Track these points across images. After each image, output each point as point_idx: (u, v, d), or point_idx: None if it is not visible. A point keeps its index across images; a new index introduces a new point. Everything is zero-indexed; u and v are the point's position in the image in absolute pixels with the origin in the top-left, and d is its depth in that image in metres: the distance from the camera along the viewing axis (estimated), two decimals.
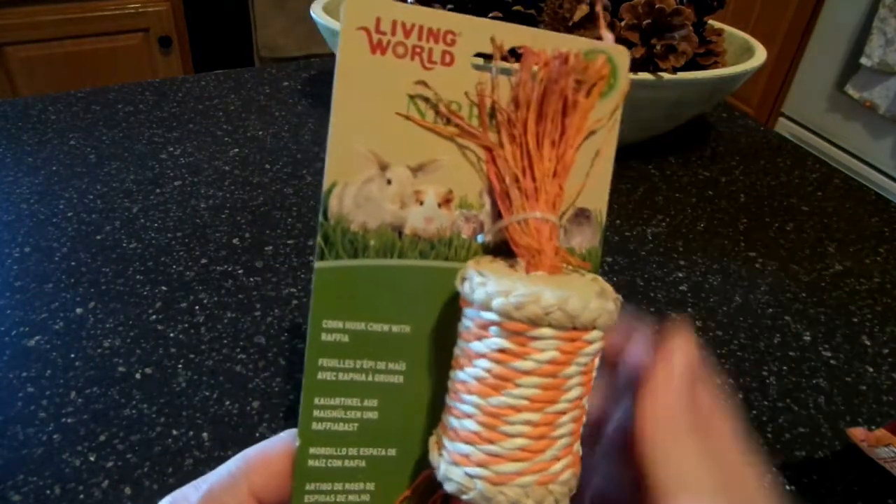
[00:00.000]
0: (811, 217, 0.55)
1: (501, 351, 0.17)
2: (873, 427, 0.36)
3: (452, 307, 0.19)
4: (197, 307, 0.40)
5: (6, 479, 0.30)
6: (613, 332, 0.18)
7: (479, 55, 0.19)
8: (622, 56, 0.19)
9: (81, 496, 0.29)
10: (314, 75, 0.74)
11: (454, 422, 0.18)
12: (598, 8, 0.52)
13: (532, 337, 0.16)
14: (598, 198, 0.20)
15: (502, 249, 0.19)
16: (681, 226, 0.52)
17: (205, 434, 0.33)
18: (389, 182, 0.19)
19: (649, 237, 0.51)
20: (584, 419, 0.18)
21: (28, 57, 1.42)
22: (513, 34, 0.19)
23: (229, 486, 0.18)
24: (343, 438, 0.19)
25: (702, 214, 0.54)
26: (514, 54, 0.19)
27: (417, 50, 0.18)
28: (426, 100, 0.18)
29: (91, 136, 0.59)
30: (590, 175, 0.20)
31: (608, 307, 0.17)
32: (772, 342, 0.41)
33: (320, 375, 0.19)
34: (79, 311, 0.39)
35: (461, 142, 0.19)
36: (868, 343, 0.42)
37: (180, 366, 0.36)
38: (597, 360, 0.18)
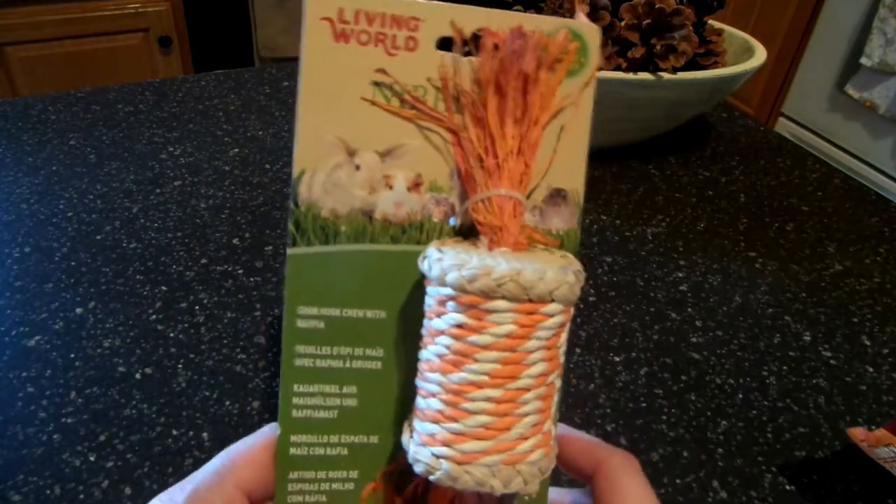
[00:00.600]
0: (811, 217, 0.55)
1: (459, 326, 0.17)
2: (873, 427, 0.36)
3: (425, 290, 0.18)
4: (197, 307, 0.40)
5: (6, 479, 0.30)
6: (571, 306, 0.18)
7: (442, 39, 0.19)
8: (592, 33, 0.19)
9: (81, 496, 0.29)
10: None
11: (421, 402, 0.18)
12: None
13: (487, 310, 0.16)
14: (573, 178, 0.20)
15: (474, 232, 0.19)
16: (681, 226, 0.52)
17: (205, 434, 0.33)
18: (358, 168, 0.19)
19: (649, 237, 0.51)
20: (556, 398, 0.18)
21: (28, 57, 1.42)
22: (475, 16, 0.18)
23: (215, 483, 0.18)
24: (323, 426, 0.19)
25: (702, 214, 0.54)
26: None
27: (381, 37, 0.18)
28: (390, 86, 0.18)
29: (91, 136, 0.59)
30: (562, 154, 0.19)
31: (567, 279, 0.17)
32: (772, 342, 0.41)
33: (298, 362, 0.19)
34: (79, 311, 0.39)
35: (428, 126, 0.19)
36: (868, 343, 0.42)
37: (180, 366, 0.36)
38: (562, 337, 0.18)
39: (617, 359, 0.39)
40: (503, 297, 0.16)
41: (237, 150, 0.58)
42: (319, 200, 0.19)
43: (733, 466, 0.33)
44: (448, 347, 0.17)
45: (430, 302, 0.18)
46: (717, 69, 0.55)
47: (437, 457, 0.17)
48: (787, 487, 0.32)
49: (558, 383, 0.18)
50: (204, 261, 0.44)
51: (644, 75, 0.52)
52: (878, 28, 1.50)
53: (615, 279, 0.46)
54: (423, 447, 0.17)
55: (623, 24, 0.54)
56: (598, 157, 0.61)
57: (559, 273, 0.17)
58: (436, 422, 0.17)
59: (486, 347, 0.16)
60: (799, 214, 0.56)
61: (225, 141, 0.59)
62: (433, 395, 0.17)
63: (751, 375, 0.39)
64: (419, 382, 0.18)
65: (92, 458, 0.31)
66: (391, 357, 0.19)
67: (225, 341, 0.38)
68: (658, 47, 0.52)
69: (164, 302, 0.40)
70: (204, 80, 0.71)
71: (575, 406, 0.36)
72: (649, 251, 0.49)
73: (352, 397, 0.19)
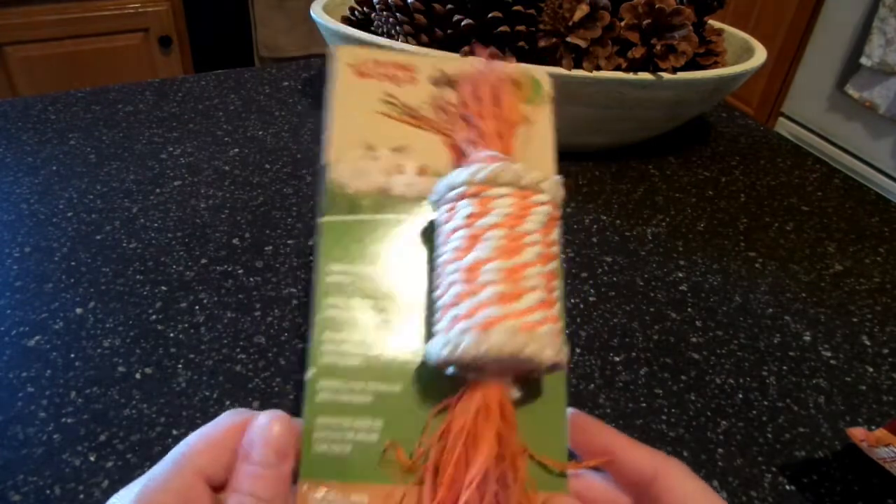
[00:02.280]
0: (811, 217, 0.55)
1: (469, 216, 0.21)
2: (873, 427, 0.36)
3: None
4: (197, 307, 0.40)
5: (6, 479, 0.30)
6: (559, 203, 0.22)
7: (435, 78, 0.25)
8: (542, 74, 0.26)
9: (81, 496, 0.29)
10: (314, 75, 0.74)
11: (440, 302, 0.21)
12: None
13: (490, 196, 0.21)
14: (545, 170, 0.24)
15: None
16: (681, 226, 0.52)
17: None
18: (376, 159, 0.24)
19: (649, 237, 0.51)
20: (559, 294, 0.21)
21: (28, 57, 1.42)
22: (455, 62, 0.26)
23: (172, 472, 0.18)
24: (349, 371, 0.21)
25: (702, 214, 0.54)
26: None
27: (390, 75, 0.25)
28: (398, 105, 0.25)
29: (91, 136, 0.59)
30: (532, 155, 0.24)
31: (551, 176, 0.21)
32: (772, 342, 0.41)
33: (328, 312, 0.22)
34: (79, 311, 0.39)
35: (428, 132, 0.25)
36: (868, 343, 0.42)
37: (180, 366, 0.36)
38: (554, 231, 0.21)
39: (617, 359, 0.39)
40: (503, 184, 0.21)
41: (237, 150, 0.58)
42: (347, 181, 0.24)
43: (733, 466, 0.33)
44: (462, 237, 0.20)
45: (442, 216, 0.22)
46: (717, 69, 0.55)
47: (462, 331, 0.19)
48: (787, 487, 0.32)
49: (558, 281, 0.21)
50: (204, 261, 0.44)
51: (644, 75, 0.52)
52: (878, 28, 1.50)
53: (615, 279, 0.46)
54: (447, 333, 0.20)
55: (623, 24, 0.54)
56: (599, 157, 0.61)
57: (542, 172, 0.21)
58: (457, 304, 0.20)
59: (492, 226, 0.20)
60: (799, 214, 0.56)
61: (225, 141, 0.59)
62: (452, 284, 0.20)
63: (751, 375, 0.39)
64: (437, 289, 0.21)
65: (92, 458, 0.31)
66: (409, 308, 0.22)
67: (225, 341, 0.38)
68: (658, 47, 0.52)
69: (164, 302, 0.40)
70: (204, 80, 0.71)
71: (575, 406, 0.36)
72: (649, 251, 0.49)
73: (376, 345, 0.22)
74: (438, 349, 0.20)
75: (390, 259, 0.23)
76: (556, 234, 0.21)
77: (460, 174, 0.21)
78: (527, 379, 0.21)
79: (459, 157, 0.24)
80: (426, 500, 0.20)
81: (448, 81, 0.25)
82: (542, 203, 0.21)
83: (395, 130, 0.24)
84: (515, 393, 0.21)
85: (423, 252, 0.23)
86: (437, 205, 0.22)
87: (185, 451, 0.19)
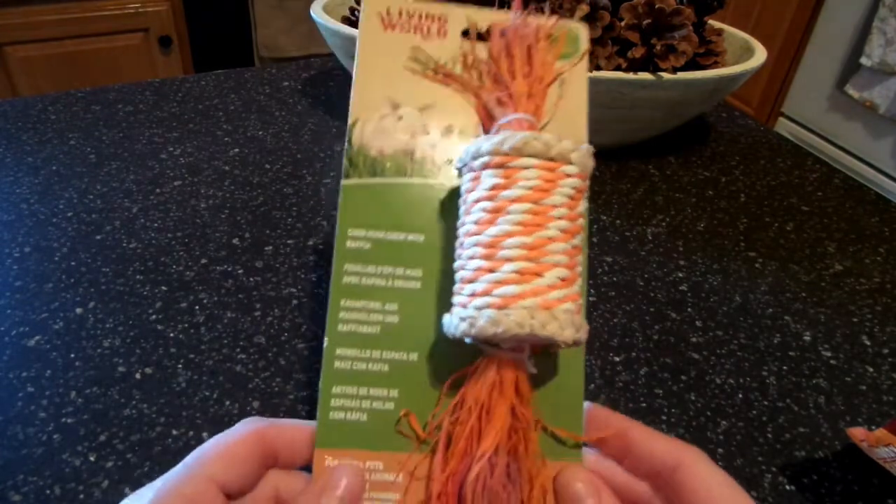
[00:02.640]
0: (811, 217, 0.55)
1: (492, 188, 0.20)
2: (873, 427, 0.36)
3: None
4: (197, 307, 0.40)
5: (6, 479, 0.30)
6: (587, 175, 0.21)
7: (465, 31, 0.24)
8: (581, 28, 0.24)
9: (81, 496, 0.29)
10: (314, 75, 0.74)
11: (460, 274, 0.20)
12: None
13: (517, 167, 0.19)
14: (578, 132, 0.23)
15: None
16: (681, 226, 0.52)
17: (205, 434, 0.33)
18: (401, 118, 0.23)
19: (649, 237, 0.51)
20: (582, 270, 0.20)
21: (28, 57, 1.42)
22: (487, 14, 0.24)
23: (186, 477, 0.18)
24: (367, 340, 0.21)
25: (702, 214, 0.54)
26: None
27: (418, 27, 0.24)
28: (425, 60, 0.23)
29: (91, 136, 0.59)
30: (566, 112, 0.23)
31: (581, 147, 0.20)
32: (772, 342, 0.41)
33: (346, 279, 0.22)
34: (79, 311, 0.39)
35: (456, 90, 0.23)
36: (868, 343, 0.42)
37: (180, 366, 0.36)
38: (581, 203, 0.20)
39: (617, 359, 0.39)
40: (529, 154, 0.19)
41: (237, 150, 0.58)
42: (369, 142, 0.23)
43: (733, 466, 0.33)
44: (484, 209, 0.20)
45: (466, 185, 0.21)
46: (717, 69, 0.55)
47: (479, 308, 0.19)
48: (787, 487, 0.32)
49: (582, 256, 0.20)
50: (204, 261, 0.44)
51: (644, 75, 0.52)
52: (878, 28, 1.50)
53: (615, 279, 0.46)
54: (465, 308, 0.19)
55: (623, 24, 0.54)
56: (598, 157, 0.61)
57: (574, 142, 0.20)
58: (475, 280, 0.19)
59: (516, 200, 0.19)
60: (799, 214, 0.56)
61: (225, 141, 0.59)
62: (472, 257, 0.20)
63: (751, 375, 0.39)
64: (458, 260, 0.20)
65: (92, 458, 0.31)
66: (428, 277, 0.22)
67: (225, 341, 0.38)
68: (658, 47, 0.52)
69: (164, 302, 0.40)
70: (204, 80, 0.71)
71: None
72: (649, 251, 0.49)
73: (393, 314, 0.22)
74: (455, 324, 0.19)
75: (412, 226, 0.22)
76: (582, 206, 0.21)
77: (485, 143, 0.20)
78: (545, 352, 0.21)
79: (487, 119, 0.23)
80: (438, 469, 0.20)
81: (480, 35, 0.24)
82: (570, 175, 0.20)
83: (421, 88, 0.23)
84: (532, 367, 0.20)
85: (446, 220, 0.22)
86: (462, 172, 0.21)
87: (198, 457, 0.19)
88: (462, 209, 0.21)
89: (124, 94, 0.67)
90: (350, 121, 0.23)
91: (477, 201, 0.20)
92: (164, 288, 0.41)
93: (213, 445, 0.19)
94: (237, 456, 0.19)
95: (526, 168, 0.19)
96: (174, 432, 0.32)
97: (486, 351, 0.20)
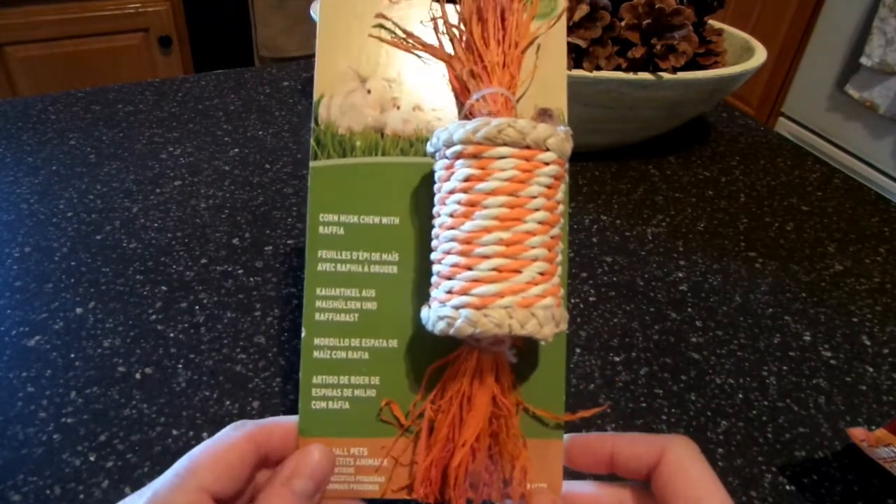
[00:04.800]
0: (811, 217, 0.55)
1: (467, 179, 0.19)
2: (873, 427, 0.36)
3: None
4: (197, 307, 0.40)
5: (6, 479, 0.30)
6: (565, 161, 0.20)
7: None
8: None
9: (81, 496, 0.29)
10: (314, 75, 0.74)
11: (437, 268, 0.19)
12: None
13: (491, 157, 0.18)
14: (557, 98, 0.22)
15: None
16: (681, 226, 0.52)
17: (205, 434, 0.33)
18: (369, 91, 0.22)
19: (649, 237, 0.51)
20: (561, 259, 0.20)
21: (28, 57, 1.42)
22: None
23: (175, 486, 0.18)
24: (345, 329, 0.21)
25: (702, 214, 0.54)
26: None
27: None
28: (391, 27, 0.22)
29: (91, 136, 0.59)
30: (543, 77, 0.22)
31: (557, 131, 0.19)
32: (772, 342, 0.41)
33: (320, 267, 0.21)
34: (79, 311, 0.39)
35: (426, 58, 0.22)
36: (868, 343, 0.42)
37: (180, 366, 0.36)
38: (559, 190, 0.19)
39: (617, 359, 0.39)
40: (504, 144, 0.18)
41: (237, 150, 0.58)
42: (337, 120, 0.21)
43: (733, 466, 0.33)
44: (458, 202, 0.19)
45: (439, 173, 0.20)
46: (717, 69, 0.55)
47: (456, 307, 0.18)
48: (787, 487, 0.32)
49: (561, 245, 0.20)
50: (204, 261, 0.44)
51: (644, 75, 0.52)
52: (878, 28, 1.50)
53: (615, 279, 0.46)
54: (443, 306, 0.19)
55: (623, 24, 0.54)
56: (599, 157, 0.61)
57: (550, 127, 0.19)
58: (452, 276, 0.19)
59: (492, 193, 0.18)
60: (799, 214, 0.56)
61: (225, 141, 0.59)
62: (448, 252, 0.19)
63: (751, 375, 0.39)
64: (435, 252, 0.20)
65: (92, 458, 0.31)
66: (405, 261, 0.21)
67: (225, 341, 0.38)
68: (658, 47, 0.52)
69: (164, 302, 0.40)
70: (204, 80, 0.71)
71: (575, 406, 0.36)
72: (649, 251, 0.49)
73: (371, 300, 0.21)
74: (433, 322, 0.19)
75: (386, 208, 0.21)
76: (561, 193, 0.20)
77: (458, 130, 0.19)
78: (526, 343, 0.21)
79: (461, 90, 0.21)
80: (421, 456, 0.20)
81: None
82: (548, 163, 0.19)
83: (389, 57, 0.22)
84: (512, 357, 0.20)
85: (421, 200, 0.21)
86: (435, 157, 0.20)
87: (189, 465, 0.19)
88: (437, 197, 0.20)
89: (124, 94, 0.67)
90: (315, 96, 0.21)
91: (451, 192, 0.19)
92: (164, 288, 0.41)
93: (204, 453, 0.19)
94: (229, 463, 0.19)
95: (501, 158, 0.18)
96: (174, 432, 0.32)
97: (468, 343, 0.20)
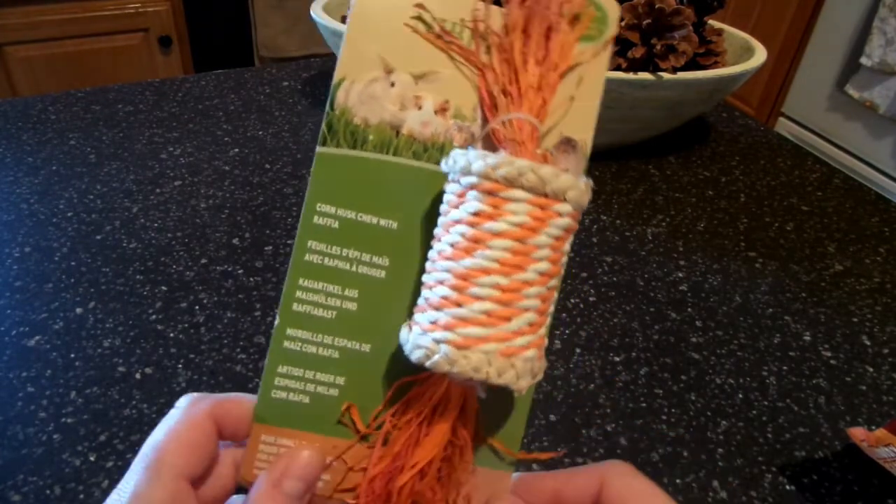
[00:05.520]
0: (811, 217, 0.55)
1: (476, 214, 0.18)
2: (873, 427, 0.36)
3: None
4: (197, 307, 0.40)
5: (6, 479, 0.30)
6: (580, 213, 0.19)
7: None
8: (612, 7, 0.21)
9: (81, 496, 0.29)
10: (314, 75, 0.74)
11: (426, 293, 0.19)
12: None
13: (506, 198, 0.18)
14: (583, 129, 0.21)
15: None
16: (681, 226, 0.52)
17: None
18: (393, 84, 0.20)
19: (649, 237, 0.51)
20: (552, 309, 0.19)
21: (28, 57, 1.42)
22: None
23: (152, 480, 0.18)
24: (320, 324, 0.20)
25: (702, 214, 0.54)
26: None
27: None
28: (429, 20, 0.20)
29: (91, 136, 0.59)
30: (575, 104, 0.21)
31: (580, 183, 0.18)
32: (772, 342, 0.41)
33: (307, 257, 0.20)
34: (79, 311, 0.39)
35: (459, 60, 0.20)
36: (868, 343, 0.42)
37: (180, 366, 0.36)
38: (566, 244, 0.19)
39: (617, 359, 0.39)
40: (522, 187, 0.17)
41: (237, 150, 0.58)
42: (354, 108, 0.20)
43: (733, 466, 0.33)
44: (462, 235, 0.18)
45: (449, 197, 0.19)
46: (717, 69, 0.55)
47: (437, 341, 0.18)
48: (787, 487, 0.32)
49: (555, 296, 0.19)
50: (204, 261, 0.44)
51: (644, 75, 0.52)
52: (878, 28, 1.50)
53: (615, 279, 0.46)
54: (424, 335, 0.18)
55: (623, 24, 0.54)
56: (599, 157, 0.61)
57: (572, 177, 0.18)
58: (440, 308, 0.18)
59: (499, 234, 0.18)
60: (799, 214, 0.56)
61: (225, 141, 0.59)
62: (441, 282, 0.18)
63: (751, 375, 0.39)
64: (426, 276, 0.19)
65: (92, 458, 0.31)
66: (395, 268, 0.20)
67: (225, 341, 0.38)
68: (658, 47, 0.52)
69: (164, 302, 0.40)
70: (204, 80, 0.71)
71: (575, 406, 0.36)
72: (649, 251, 0.49)
73: (352, 301, 0.20)
74: (411, 348, 0.18)
75: (387, 210, 0.20)
76: (567, 245, 0.19)
77: (476, 161, 0.18)
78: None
79: (490, 103, 0.20)
80: (371, 465, 0.20)
81: None
82: (562, 214, 0.18)
83: (420, 51, 0.20)
84: (482, 393, 0.20)
85: (424, 210, 0.20)
86: (447, 177, 0.19)
87: (157, 456, 0.18)
88: (441, 220, 0.19)
89: (124, 94, 0.67)
90: (336, 78, 0.20)
91: (457, 222, 0.18)
92: (164, 288, 0.41)
93: (169, 438, 0.19)
94: (196, 444, 0.19)
95: (515, 201, 0.18)
96: None
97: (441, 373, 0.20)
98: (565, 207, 0.18)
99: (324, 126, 0.20)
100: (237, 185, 0.53)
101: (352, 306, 0.20)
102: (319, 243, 0.20)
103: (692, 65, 0.56)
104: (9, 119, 0.60)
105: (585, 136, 0.21)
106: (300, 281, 0.20)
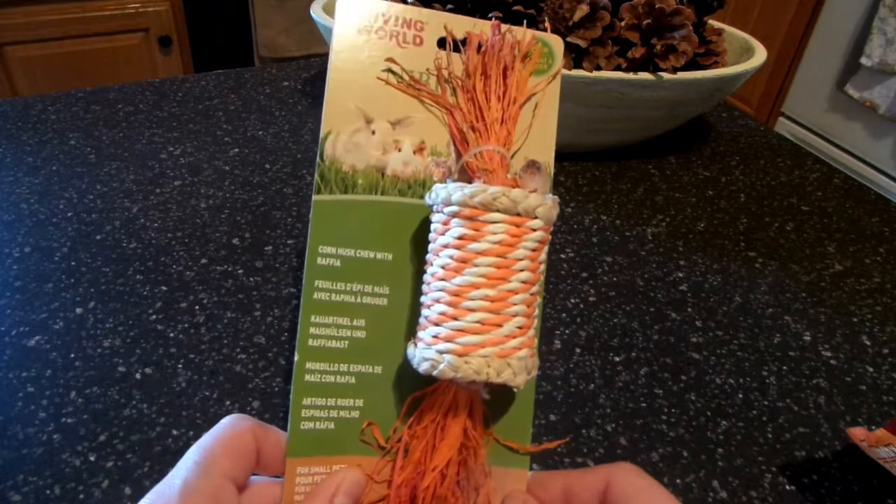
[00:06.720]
0: (811, 217, 0.55)
1: (461, 238, 0.20)
2: (873, 427, 0.36)
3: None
4: (197, 307, 0.40)
5: (6, 479, 0.30)
6: (551, 226, 0.22)
7: (441, 39, 0.23)
8: (557, 42, 0.24)
9: (81, 496, 0.29)
10: (314, 75, 0.74)
11: (425, 312, 0.21)
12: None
13: (485, 221, 0.20)
14: (545, 152, 0.24)
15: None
16: (681, 226, 0.52)
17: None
18: (374, 132, 0.23)
19: (649, 237, 0.51)
20: (537, 313, 0.22)
21: (28, 57, 1.42)
22: (464, 23, 0.24)
23: (202, 475, 0.19)
24: (335, 354, 0.22)
25: (702, 214, 0.54)
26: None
27: (394, 34, 0.23)
28: (399, 72, 0.23)
29: (91, 136, 0.59)
30: (535, 131, 0.24)
31: (546, 201, 0.21)
32: (772, 342, 0.41)
33: (316, 295, 0.22)
34: (79, 311, 0.39)
35: (430, 104, 0.23)
36: (868, 343, 0.42)
37: (180, 366, 0.36)
38: (542, 254, 0.21)
39: (617, 359, 0.39)
40: (497, 210, 0.20)
41: (237, 150, 0.58)
42: (341, 157, 0.23)
43: (733, 466, 0.33)
44: (451, 257, 0.20)
45: (435, 226, 0.21)
46: (717, 69, 0.55)
47: (441, 352, 0.20)
48: (787, 487, 0.32)
49: (539, 299, 0.22)
50: (204, 261, 0.44)
51: (644, 75, 0.52)
52: (878, 28, 1.50)
53: (615, 279, 0.46)
54: (428, 348, 0.20)
55: (623, 24, 0.54)
56: (599, 157, 0.61)
57: (540, 196, 0.21)
58: (439, 324, 0.20)
59: (482, 253, 0.20)
60: (799, 214, 0.56)
61: (225, 141, 0.59)
62: (437, 300, 0.21)
63: (751, 375, 0.39)
64: (424, 297, 0.21)
65: (92, 458, 0.31)
66: (395, 295, 0.23)
67: (225, 341, 0.38)
68: (658, 47, 0.52)
69: (164, 302, 0.40)
70: (204, 80, 0.71)
71: (575, 406, 0.36)
72: (649, 251, 0.49)
73: (361, 329, 0.22)
74: (418, 362, 0.21)
75: (382, 244, 0.23)
76: (544, 254, 0.22)
77: (456, 192, 0.21)
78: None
79: (460, 139, 0.23)
80: (395, 475, 0.22)
81: (456, 45, 0.23)
82: (535, 229, 0.21)
83: (394, 100, 0.23)
84: (485, 395, 0.22)
85: (414, 239, 0.23)
86: (432, 209, 0.22)
87: (206, 454, 0.19)
88: (431, 247, 0.21)
89: (124, 94, 0.67)
90: (322, 132, 0.23)
91: (445, 247, 0.21)
92: (164, 288, 0.41)
93: (217, 441, 0.20)
94: (242, 451, 0.20)
95: (493, 223, 0.20)
96: (174, 432, 0.32)
97: (447, 381, 0.22)
98: (537, 223, 0.21)
99: (317, 176, 0.22)
100: (237, 185, 0.53)
101: (361, 334, 0.22)
102: (325, 281, 0.22)
103: (692, 65, 0.56)
104: (9, 119, 0.60)
105: (548, 157, 0.24)
106: (312, 318, 0.22)
